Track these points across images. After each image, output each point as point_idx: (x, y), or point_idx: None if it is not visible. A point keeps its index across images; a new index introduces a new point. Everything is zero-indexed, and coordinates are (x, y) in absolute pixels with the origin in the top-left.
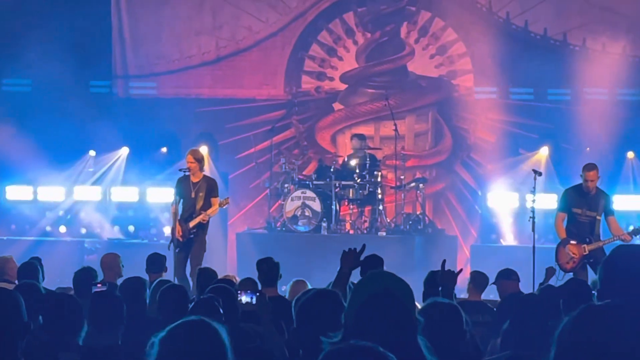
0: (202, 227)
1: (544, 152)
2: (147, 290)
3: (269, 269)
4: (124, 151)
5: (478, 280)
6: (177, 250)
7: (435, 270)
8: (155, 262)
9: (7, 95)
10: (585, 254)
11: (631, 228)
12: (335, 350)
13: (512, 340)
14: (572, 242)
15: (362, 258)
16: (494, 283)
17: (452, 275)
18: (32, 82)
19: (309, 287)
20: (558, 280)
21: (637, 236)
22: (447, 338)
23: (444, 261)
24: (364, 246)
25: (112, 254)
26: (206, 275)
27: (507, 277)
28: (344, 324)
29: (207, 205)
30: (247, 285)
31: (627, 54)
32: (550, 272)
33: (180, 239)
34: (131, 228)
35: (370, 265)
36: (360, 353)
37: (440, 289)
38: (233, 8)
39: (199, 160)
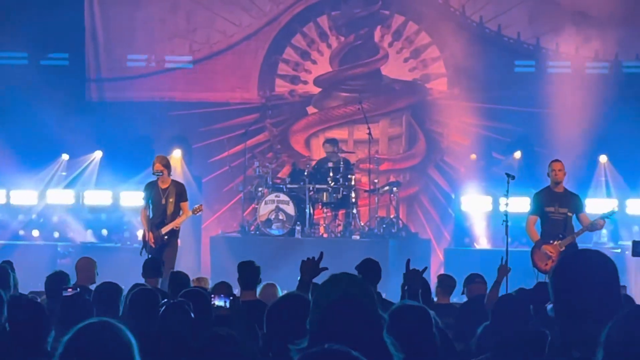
0: (174, 232)
1: (517, 155)
2: (122, 295)
3: (249, 273)
4: (97, 154)
5: (445, 283)
6: (149, 256)
7: None
8: (153, 267)
9: None
10: (562, 250)
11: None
12: (310, 354)
13: (490, 342)
14: (546, 241)
15: (358, 263)
16: (463, 293)
17: (417, 274)
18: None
19: (279, 290)
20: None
21: (608, 220)
22: (417, 340)
23: (408, 261)
24: (321, 254)
25: (87, 259)
26: (179, 279)
27: (472, 281)
28: (309, 330)
29: (177, 210)
30: (221, 289)
31: (599, 57)
32: (503, 270)
33: (153, 246)
34: (104, 232)
35: (368, 269)
36: (334, 357)
37: (406, 288)
38: (207, 12)
39: (167, 165)
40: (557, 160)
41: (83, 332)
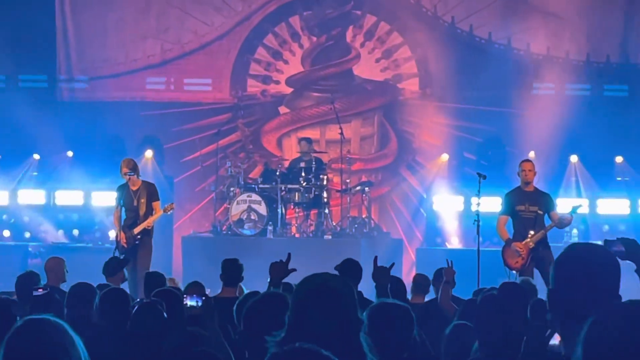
0: (147, 232)
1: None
2: (96, 296)
3: (233, 270)
4: (69, 154)
5: (420, 283)
6: (122, 257)
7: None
8: (113, 266)
9: None
10: (532, 246)
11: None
12: (280, 353)
13: (468, 342)
14: (516, 239)
15: (330, 262)
16: (432, 284)
17: (385, 271)
18: None
19: (244, 290)
20: (511, 280)
21: (576, 216)
22: (397, 340)
23: (376, 258)
24: (289, 255)
25: (56, 258)
26: (154, 279)
27: (438, 278)
28: (287, 322)
29: (149, 210)
30: (194, 289)
31: (570, 58)
32: (449, 272)
33: (125, 246)
34: (76, 232)
35: (348, 269)
36: (304, 356)
37: (375, 285)
38: (178, 11)
39: (134, 168)
40: (527, 160)
41: (24, 329)
